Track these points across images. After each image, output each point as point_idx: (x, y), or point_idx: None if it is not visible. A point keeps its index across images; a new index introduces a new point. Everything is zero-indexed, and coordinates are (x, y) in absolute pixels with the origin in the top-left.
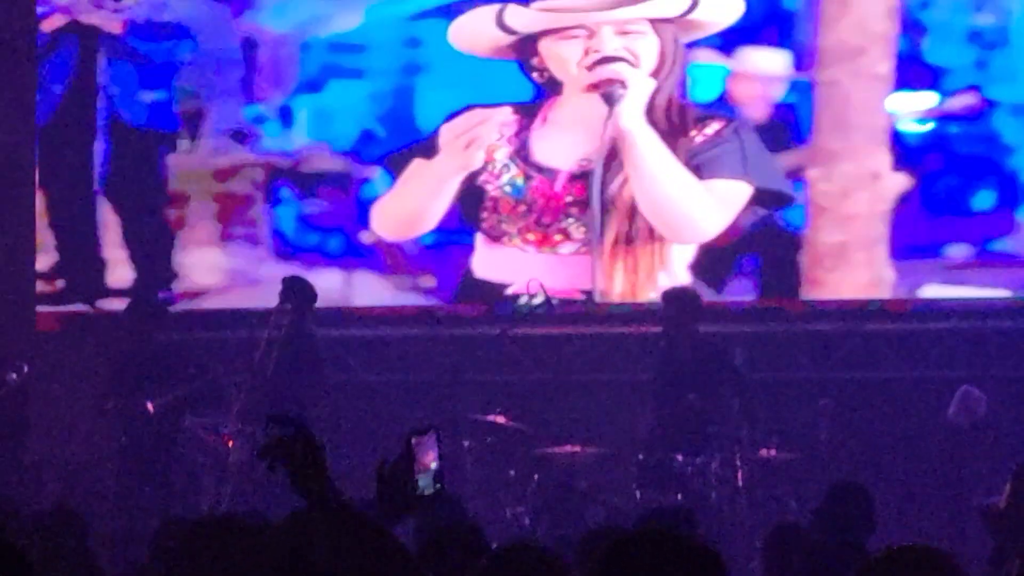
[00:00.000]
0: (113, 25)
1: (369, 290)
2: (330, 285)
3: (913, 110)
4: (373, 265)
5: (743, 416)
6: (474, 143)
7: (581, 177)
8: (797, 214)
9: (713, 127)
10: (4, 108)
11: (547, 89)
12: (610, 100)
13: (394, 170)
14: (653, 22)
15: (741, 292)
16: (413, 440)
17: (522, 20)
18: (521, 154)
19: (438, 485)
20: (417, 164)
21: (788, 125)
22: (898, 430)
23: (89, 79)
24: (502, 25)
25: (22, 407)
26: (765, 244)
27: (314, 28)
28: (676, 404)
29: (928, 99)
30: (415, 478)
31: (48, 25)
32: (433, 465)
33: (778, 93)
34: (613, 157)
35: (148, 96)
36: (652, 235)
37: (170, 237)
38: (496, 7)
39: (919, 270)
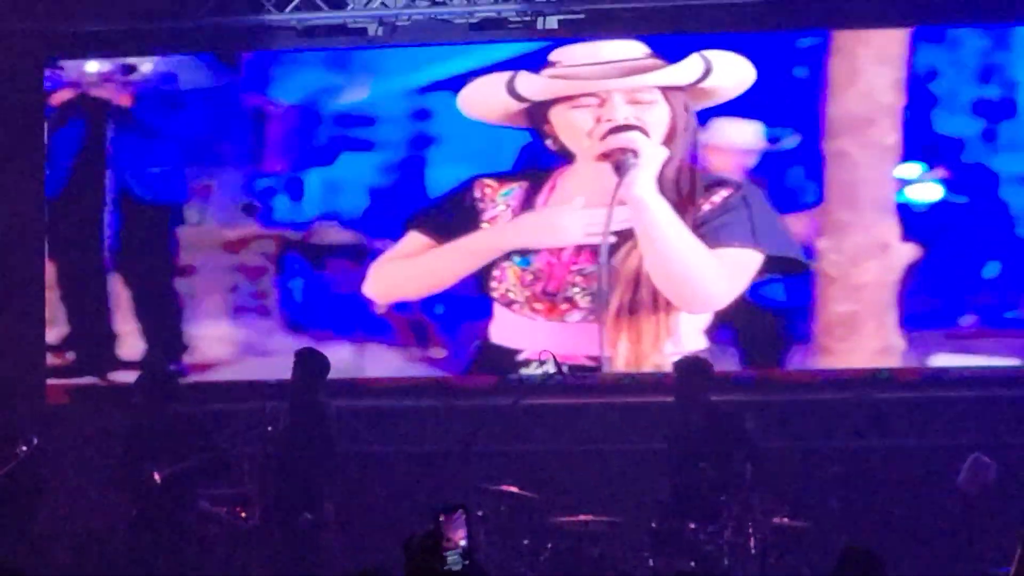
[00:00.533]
0: (122, 98)
1: (380, 361)
2: (341, 357)
3: (921, 180)
4: (384, 336)
5: (755, 484)
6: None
7: (588, 246)
8: (808, 284)
9: (721, 194)
10: (13, 181)
11: (558, 157)
12: (621, 169)
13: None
14: (664, 90)
15: (750, 361)
16: (442, 517)
17: (533, 88)
18: None
19: (467, 562)
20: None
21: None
22: (909, 498)
23: (98, 152)
24: (513, 93)
25: (32, 479)
26: (776, 315)
27: (324, 100)
28: (689, 473)
29: (936, 170)
30: (444, 555)
31: (57, 99)
32: (462, 542)
33: (750, 164)
34: (620, 227)
35: (157, 169)
36: (657, 304)
37: (180, 309)
38: (507, 75)
39: (929, 339)
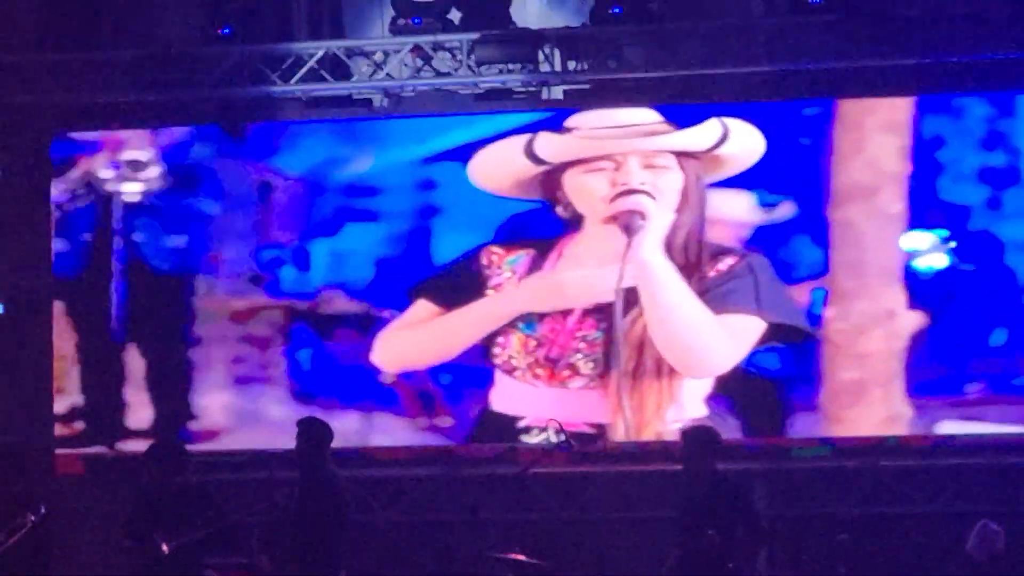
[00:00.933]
0: (131, 195)
1: (387, 430)
2: (349, 426)
3: (927, 249)
4: (391, 405)
5: (762, 552)
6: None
7: (593, 313)
8: (814, 352)
9: (727, 262)
10: (21, 251)
11: (566, 225)
12: (630, 230)
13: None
14: (679, 157)
15: (757, 429)
16: None
17: (551, 148)
18: None
19: None
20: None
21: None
22: (917, 565)
23: (107, 224)
24: (531, 155)
25: (41, 549)
26: (782, 382)
27: (329, 171)
28: (696, 540)
29: (941, 238)
30: None
31: (66, 173)
32: None
33: (744, 236)
34: (628, 296)
35: (167, 241)
36: (660, 371)
37: (188, 378)
38: (525, 137)
39: (936, 407)
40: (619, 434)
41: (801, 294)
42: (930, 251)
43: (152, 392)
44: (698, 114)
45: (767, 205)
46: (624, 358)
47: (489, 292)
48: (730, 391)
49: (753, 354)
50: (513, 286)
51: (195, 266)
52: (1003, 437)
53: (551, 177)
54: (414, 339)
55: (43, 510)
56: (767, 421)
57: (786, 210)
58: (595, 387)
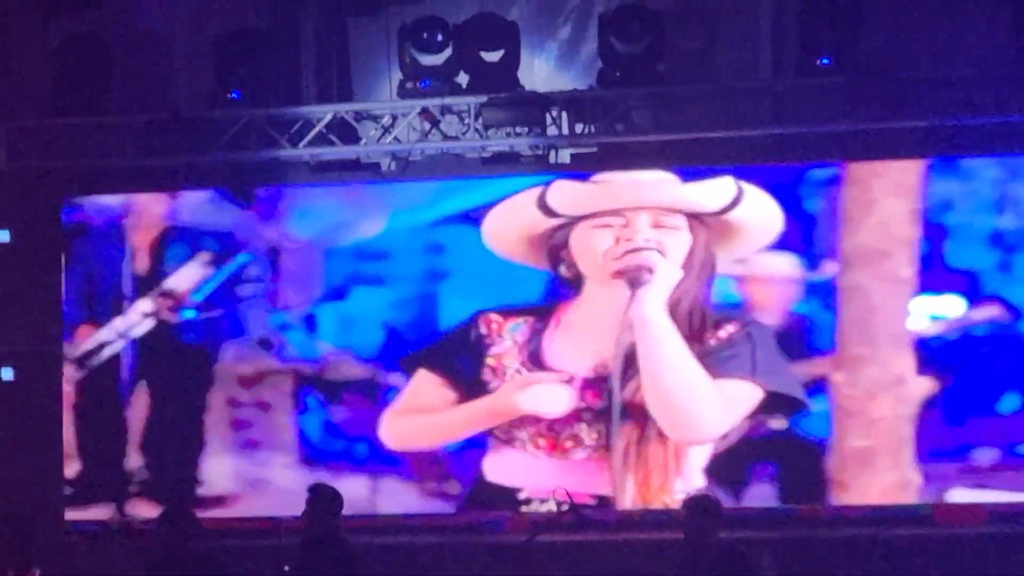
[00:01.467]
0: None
1: (395, 496)
2: (356, 491)
3: (937, 314)
4: (399, 471)
5: None
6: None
7: (595, 382)
8: (822, 418)
9: (727, 330)
10: (32, 316)
11: (567, 289)
12: (635, 283)
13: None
14: (690, 219)
15: (764, 498)
16: None
17: (563, 199)
18: (534, 360)
19: None
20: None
21: (807, 332)
22: None
23: (116, 286)
24: (543, 206)
25: None
26: (789, 450)
27: (338, 235)
28: None
29: (952, 303)
30: None
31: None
32: None
33: (795, 296)
34: (630, 363)
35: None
36: (665, 442)
37: (197, 444)
38: (539, 189)
39: (945, 473)
40: (625, 504)
41: (807, 366)
42: (940, 316)
43: (160, 457)
44: (707, 176)
45: (811, 266)
46: (627, 429)
47: (490, 360)
48: (737, 460)
49: (761, 423)
50: (515, 357)
51: (203, 331)
52: (1014, 505)
53: (559, 232)
54: (420, 426)
55: (38, 573)
56: (778, 488)
57: (831, 269)
58: (599, 457)
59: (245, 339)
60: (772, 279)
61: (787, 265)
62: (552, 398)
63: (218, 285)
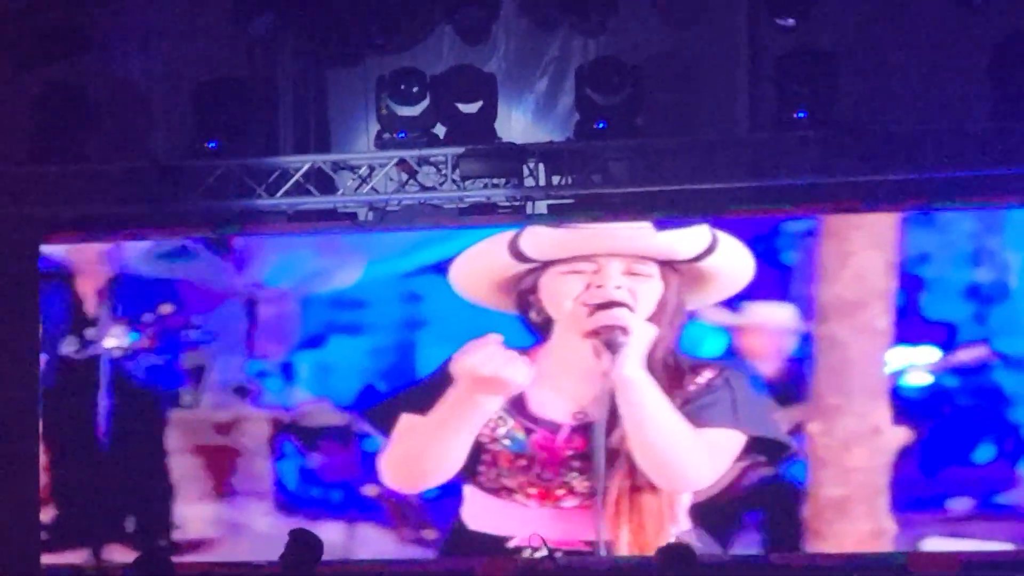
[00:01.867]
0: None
1: (372, 543)
2: (333, 537)
3: (913, 365)
4: (376, 518)
5: None
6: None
7: (582, 429)
8: (799, 468)
9: (705, 376)
10: (9, 366)
11: (537, 333)
12: (613, 347)
13: (378, 423)
14: (662, 267)
15: (746, 546)
16: None
17: (535, 243)
18: (516, 406)
19: None
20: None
21: (800, 380)
22: None
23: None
24: (515, 251)
25: None
26: (769, 498)
27: (314, 284)
28: None
29: (927, 354)
30: None
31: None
32: None
33: (790, 346)
34: (614, 410)
35: (152, 358)
36: (657, 488)
37: (172, 490)
38: (510, 234)
39: (920, 523)
40: (622, 551)
41: (788, 413)
42: (915, 367)
43: (134, 503)
44: (684, 226)
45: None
46: (618, 477)
47: None
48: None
49: (748, 469)
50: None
51: (179, 379)
52: (988, 555)
53: (528, 277)
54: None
55: None
56: (755, 536)
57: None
58: (590, 505)
59: (221, 386)
60: (765, 328)
61: (782, 315)
62: (497, 355)
63: (162, 330)
